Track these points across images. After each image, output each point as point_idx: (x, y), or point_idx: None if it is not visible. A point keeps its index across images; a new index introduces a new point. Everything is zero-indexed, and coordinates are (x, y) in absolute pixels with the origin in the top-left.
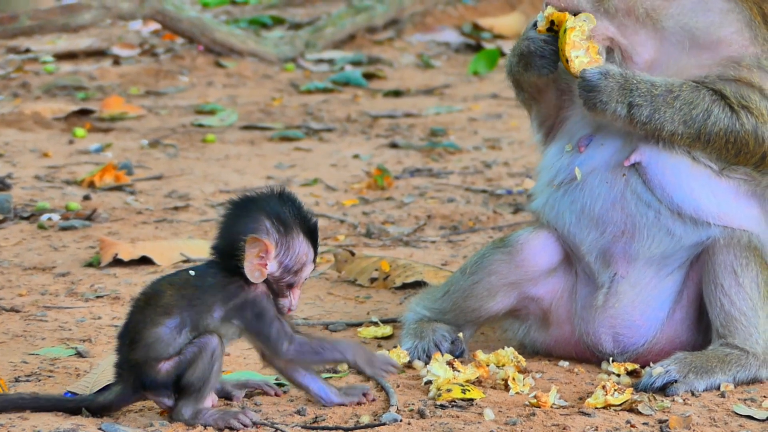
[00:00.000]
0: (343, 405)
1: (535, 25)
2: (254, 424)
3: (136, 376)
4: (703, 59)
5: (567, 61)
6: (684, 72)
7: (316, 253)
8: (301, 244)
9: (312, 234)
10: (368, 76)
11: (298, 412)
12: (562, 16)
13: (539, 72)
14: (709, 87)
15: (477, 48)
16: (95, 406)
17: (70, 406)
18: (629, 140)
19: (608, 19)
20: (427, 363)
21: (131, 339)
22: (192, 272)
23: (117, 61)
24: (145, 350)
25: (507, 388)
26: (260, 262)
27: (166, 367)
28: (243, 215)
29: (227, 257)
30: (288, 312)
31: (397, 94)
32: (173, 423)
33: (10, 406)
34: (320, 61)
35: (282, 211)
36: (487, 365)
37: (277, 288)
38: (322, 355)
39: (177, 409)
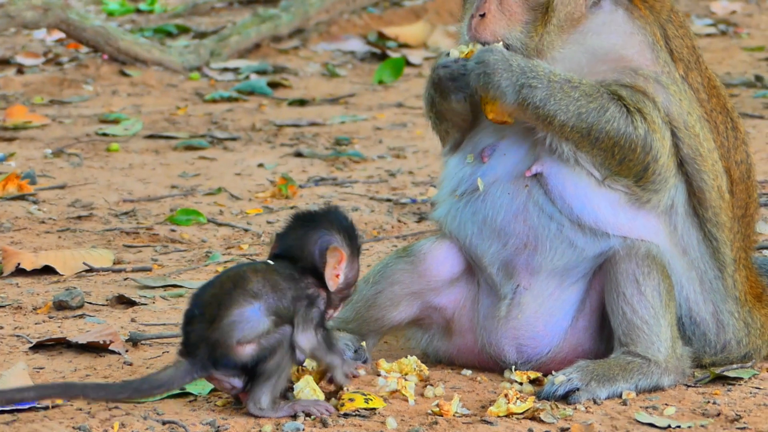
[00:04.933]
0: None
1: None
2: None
3: (211, 354)
4: (601, 68)
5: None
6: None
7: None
8: (357, 261)
9: (360, 253)
10: (273, 85)
11: (201, 422)
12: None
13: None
14: (606, 88)
15: (382, 57)
16: (147, 386)
17: (123, 395)
18: (533, 150)
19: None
20: None
21: (212, 317)
22: (271, 262)
23: (21, 70)
24: (228, 329)
25: None
26: (336, 272)
27: (249, 350)
28: (320, 228)
29: (301, 261)
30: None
31: (302, 103)
32: None
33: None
34: (225, 70)
35: (349, 227)
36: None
37: (332, 300)
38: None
39: (254, 399)
